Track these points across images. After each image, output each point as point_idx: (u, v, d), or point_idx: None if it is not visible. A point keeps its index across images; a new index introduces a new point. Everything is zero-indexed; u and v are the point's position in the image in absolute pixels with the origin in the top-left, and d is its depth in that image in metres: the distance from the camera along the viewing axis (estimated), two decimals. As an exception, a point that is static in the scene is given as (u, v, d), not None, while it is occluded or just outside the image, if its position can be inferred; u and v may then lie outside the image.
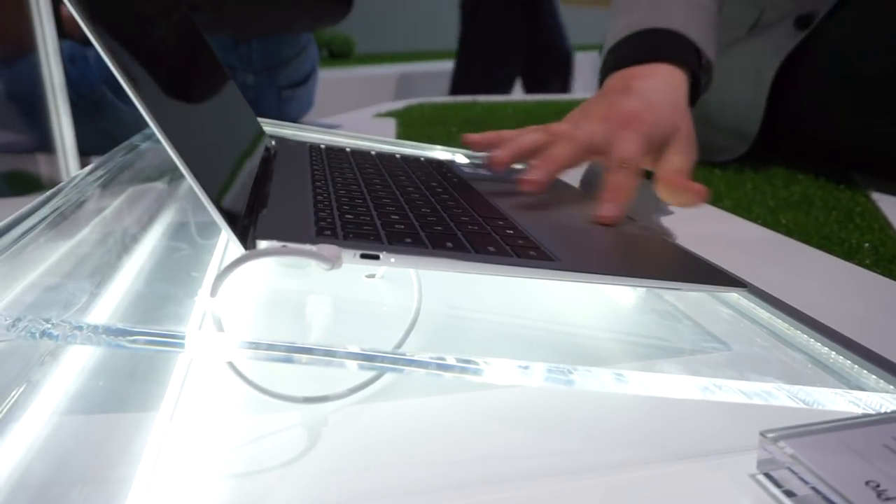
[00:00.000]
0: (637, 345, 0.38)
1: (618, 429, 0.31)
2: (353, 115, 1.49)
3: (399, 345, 0.36)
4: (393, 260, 0.32)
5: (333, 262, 0.29)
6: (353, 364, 0.27)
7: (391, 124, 1.34)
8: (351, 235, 0.34)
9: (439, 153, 0.81)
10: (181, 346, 0.26)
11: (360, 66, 2.68)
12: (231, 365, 0.30)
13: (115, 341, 0.26)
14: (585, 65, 2.96)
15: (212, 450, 0.31)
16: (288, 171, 0.47)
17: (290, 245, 0.30)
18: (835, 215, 0.64)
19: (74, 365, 0.36)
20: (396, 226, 0.37)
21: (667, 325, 0.38)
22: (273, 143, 0.59)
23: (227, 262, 0.28)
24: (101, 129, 1.13)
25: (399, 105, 1.60)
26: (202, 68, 0.48)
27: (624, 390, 0.28)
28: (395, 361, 0.27)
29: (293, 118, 1.33)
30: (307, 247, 0.30)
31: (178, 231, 0.56)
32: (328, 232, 0.34)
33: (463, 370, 0.28)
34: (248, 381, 0.30)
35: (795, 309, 0.36)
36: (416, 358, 0.27)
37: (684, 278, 0.36)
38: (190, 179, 0.31)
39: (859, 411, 0.30)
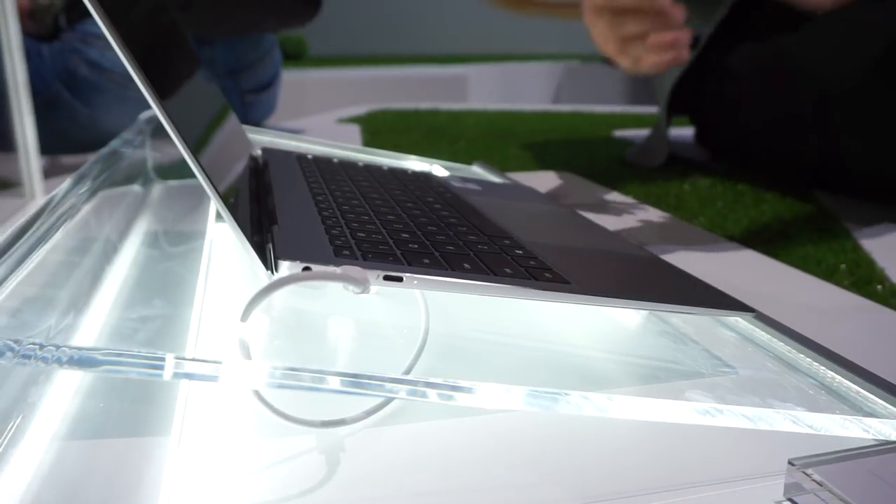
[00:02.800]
0: (644, 367, 0.38)
1: (639, 455, 0.32)
2: (315, 120, 1.47)
3: (409, 369, 0.36)
4: (416, 282, 0.32)
5: (364, 286, 0.29)
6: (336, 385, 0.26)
7: (356, 130, 1.33)
8: (370, 256, 0.33)
9: (414, 163, 0.81)
10: (215, 378, 0.25)
11: (314, 69, 2.65)
12: (256, 391, 0.29)
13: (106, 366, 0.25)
14: (540, 75, 3.00)
15: (232, 476, 0.30)
16: (284, 183, 0.46)
17: (319, 268, 0.29)
18: (808, 235, 0.66)
19: (69, 384, 0.35)
20: (409, 245, 0.36)
21: (674, 349, 0.38)
22: (259, 152, 0.57)
23: (256, 284, 0.27)
24: (56, 128, 1.09)
25: (360, 111, 1.59)
26: (192, 69, 0.47)
27: (618, 415, 0.28)
28: (381, 383, 0.26)
29: (255, 123, 1.31)
30: (338, 269, 0.29)
31: (160, 239, 0.55)
32: (347, 252, 0.33)
33: (450, 391, 0.27)
34: (271, 407, 0.29)
35: (801, 335, 0.37)
36: (399, 378, 0.26)
37: (695, 302, 0.37)
38: (214, 199, 0.30)
39: (870, 437, 0.31)
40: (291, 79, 2.17)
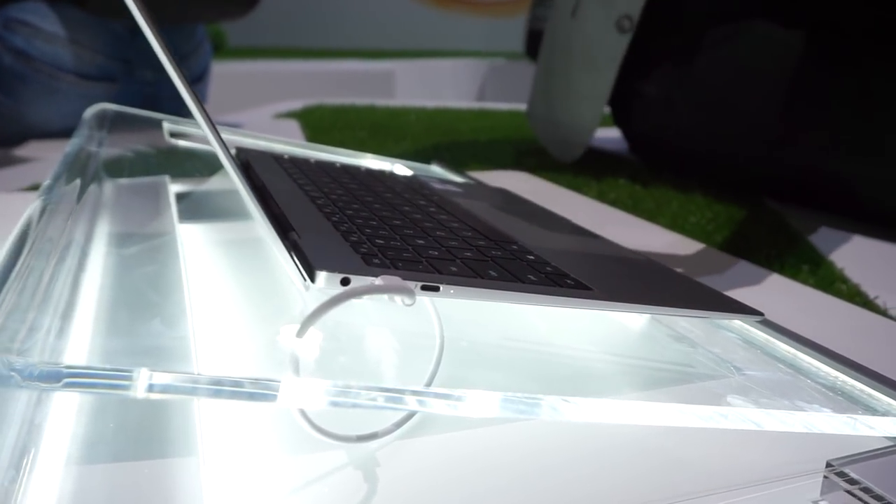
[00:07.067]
0: (659, 371, 0.39)
1: (676, 459, 0.32)
2: (251, 114, 1.43)
3: (430, 380, 0.35)
4: (452, 291, 0.31)
5: (413, 297, 0.28)
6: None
7: (295, 126, 1.30)
8: (400, 264, 0.32)
9: (370, 161, 0.80)
10: (273, 397, 0.24)
11: (236, 61, 2.58)
12: (301, 409, 0.28)
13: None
14: (465, 72, 3.02)
15: (270, 495, 0.28)
16: (277, 186, 0.44)
17: (359, 279, 0.28)
18: (764, 237, 0.69)
19: (70, 403, 0.32)
20: (430, 252, 0.36)
21: (686, 352, 0.39)
22: (234, 151, 0.55)
23: (310, 301, 0.26)
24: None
25: (295, 106, 1.55)
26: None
27: (605, 419, 0.28)
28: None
29: (188, 115, 1.26)
30: (378, 280, 0.28)
31: (133, 242, 0.52)
32: (377, 261, 0.32)
33: (425, 398, 0.26)
34: (312, 424, 0.28)
35: (805, 338, 0.38)
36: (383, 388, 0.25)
37: (706, 306, 0.38)
38: (252, 204, 0.28)
39: (878, 435, 0.33)
40: (214, 71, 2.10)
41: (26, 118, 1.04)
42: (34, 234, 0.34)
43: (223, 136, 0.54)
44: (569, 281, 0.36)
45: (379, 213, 0.43)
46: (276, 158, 0.55)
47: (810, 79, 0.78)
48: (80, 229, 0.48)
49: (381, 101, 1.69)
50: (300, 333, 0.25)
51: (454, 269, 0.33)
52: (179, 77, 0.27)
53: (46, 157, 0.95)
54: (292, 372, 0.26)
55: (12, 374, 0.20)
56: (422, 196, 0.52)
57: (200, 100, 0.28)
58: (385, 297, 0.28)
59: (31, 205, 0.38)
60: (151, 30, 0.27)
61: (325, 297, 0.27)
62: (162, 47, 0.27)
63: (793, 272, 0.59)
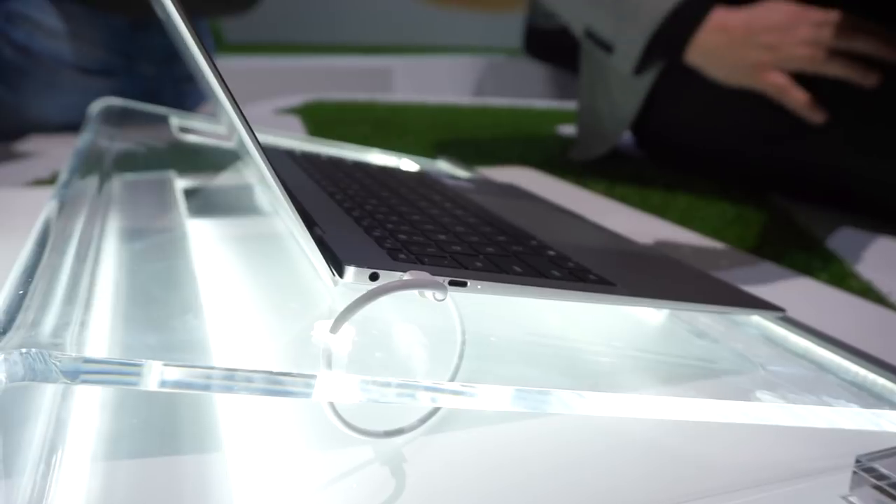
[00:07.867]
0: (677, 365, 0.39)
1: (702, 456, 0.32)
2: (251, 110, 1.42)
3: (454, 376, 0.35)
4: (480, 287, 0.31)
5: (445, 292, 0.28)
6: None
7: (296, 122, 1.30)
8: (426, 259, 0.32)
9: (377, 157, 0.79)
10: (308, 394, 0.24)
11: (232, 57, 2.56)
12: (331, 403, 0.27)
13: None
14: (462, 69, 3.01)
15: (299, 491, 0.28)
16: (294, 182, 0.44)
17: (387, 274, 0.28)
18: (774, 233, 0.69)
19: (92, 398, 0.32)
20: (452, 247, 0.36)
21: (708, 348, 0.39)
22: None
23: (339, 298, 0.26)
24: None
25: (295, 101, 1.55)
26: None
27: (636, 415, 0.28)
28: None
29: (190, 110, 1.25)
30: (407, 275, 0.28)
31: (144, 238, 0.51)
32: (402, 256, 0.32)
33: (436, 393, 0.26)
34: (342, 419, 0.28)
35: (826, 334, 0.38)
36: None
37: (730, 302, 0.38)
38: (282, 196, 0.28)
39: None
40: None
41: (27, 112, 1.03)
42: (55, 230, 0.34)
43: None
44: (592, 276, 0.36)
45: (397, 208, 0.42)
46: (289, 154, 0.55)
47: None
48: (99, 226, 0.48)
49: (380, 98, 1.69)
50: (334, 329, 0.25)
51: (479, 264, 0.33)
52: (211, 66, 0.27)
53: (48, 151, 0.94)
54: (325, 367, 0.26)
55: (53, 367, 0.20)
56: (436, 192, 0.51)
57: (230, 89, 0.27)
58: (415, 292, 0.28)
59: (49, 201, 0.38)
60: (182, 18, 0.26)
61: (352, 292, 0.27)
62: (191, 33, 0.27)
63: (804, 268, 0.59)
